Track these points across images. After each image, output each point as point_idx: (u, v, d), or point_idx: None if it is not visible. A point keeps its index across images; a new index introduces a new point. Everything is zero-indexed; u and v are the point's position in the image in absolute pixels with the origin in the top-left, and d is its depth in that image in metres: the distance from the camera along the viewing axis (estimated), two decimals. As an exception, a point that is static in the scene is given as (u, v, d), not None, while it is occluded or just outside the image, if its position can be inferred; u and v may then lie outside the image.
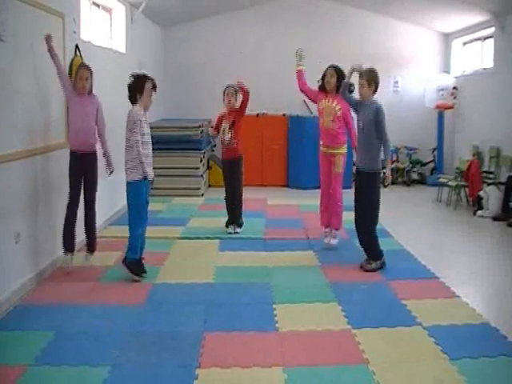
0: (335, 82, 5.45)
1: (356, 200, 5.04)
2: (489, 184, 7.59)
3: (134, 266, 4.65)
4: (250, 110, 9.24)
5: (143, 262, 4.75)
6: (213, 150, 10.22)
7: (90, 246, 5.02)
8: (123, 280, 4.64)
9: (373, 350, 3.37)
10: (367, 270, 4.91)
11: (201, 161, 8.71)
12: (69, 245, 4.80)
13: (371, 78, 4.83)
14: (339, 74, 5.44)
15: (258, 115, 9.76)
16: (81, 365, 3.14)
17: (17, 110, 4.19)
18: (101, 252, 5.40)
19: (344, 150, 5.59)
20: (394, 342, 3.49)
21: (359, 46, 10.08)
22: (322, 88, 5.61)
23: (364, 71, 4.87)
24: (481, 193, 7.45)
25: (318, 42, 10.24)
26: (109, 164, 5.08)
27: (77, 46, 5.43)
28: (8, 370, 3.09)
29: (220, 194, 9.08)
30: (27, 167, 4.39)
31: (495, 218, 7.09)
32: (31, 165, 4.46)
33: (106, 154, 5.04)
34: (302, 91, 5.83)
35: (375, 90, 4.88)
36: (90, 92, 4.84)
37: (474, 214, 7.41)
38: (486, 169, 8.13)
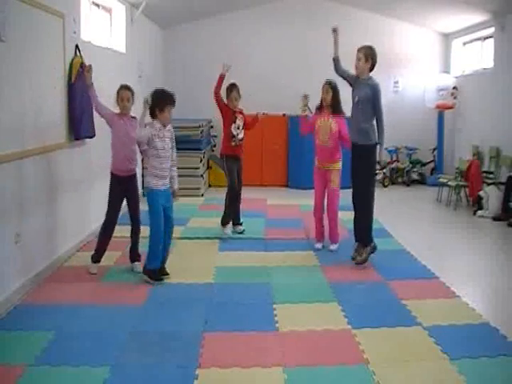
0: (331, 97, 5.43)
1: (352, 176, 5.05)
2: (489, 184, 7.59)
3: (154, 274, 4.60)
4: (250, 110, 9.26)
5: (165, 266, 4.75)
6: (213, 150, 10.22)
7: (135, 257, 4.99)
8: (123, 280, 4.66)
9: (373, 349, 3.37)
10: (359, 262, 4.94)
11: (201, 161, 8.72)
12: (96, 258, 4.88)
13: (368, 54, 4.91)
14: (334, 90, 5.43)
15: (257, 115, 9.75)
16: (81, 365, 3.14)
17: (16, 111, 4.19)
18: (101, 252, 5.42)
19: (339, 165, 5.57)
20: (394, 342, 3.49)
21: (359, 46, 10.07)
22: (320, 106, 5.57)
23: (363, 46, 4.98)
24: (481, 193, 7.45)
25: (318, 41, 10.22)
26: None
27: (77, 46, 5.43)
28: (8, 370, 3.09)
29: (220, 193, 9.10)
30: (28, 167, 4.39)
31: (495, 218, 7.09)
32: (32, 165, 4.46)
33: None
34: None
35: (372, 68, 4.94)
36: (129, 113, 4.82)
37: (474, 213, 7.41)
38: (486, 169, 8.14)
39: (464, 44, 10.07)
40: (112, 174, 4.86)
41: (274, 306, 4.10)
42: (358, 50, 4.96)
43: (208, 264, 5.10)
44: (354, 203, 5.12)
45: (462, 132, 9.79)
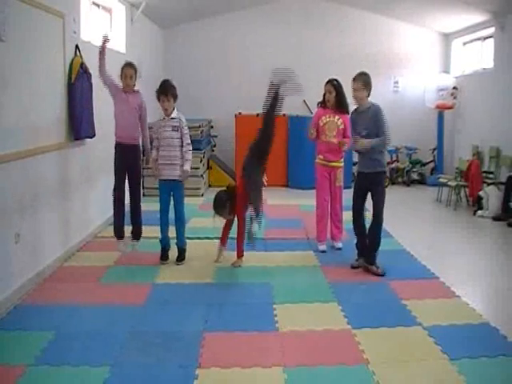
0: (334, 97, 5.39)
1: (357, 200, 4.95)
2: (489, 184, 7.59)
3: (161, 252, 5.16)
4: (250, 110, 9.32)
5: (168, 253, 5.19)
6: (213, 150, 10.23)
7: (135, 234, 5.33)
8: (123, 280, 4.66)
9: (373, 349, 3.37)
10: (376, 274, 4.79)
11: (201, 161, 8.73)
12: (118, 232, 5.27)
13: (366, 82, 4.78)
14: (337, 89, 5.39)
15: (258, 115, 9.76)
16: (81, 365, 3.14)
17: (16, 110, 4.19)
18: (101, 252, 5.42)
19: (342, 162, 5.59)
20: (394, 342, 3.49)
21: (359, 47, 10.10)
22: (323, 104, 5.54)
23: (360, 75, 4.82)
24: (481, 193, 7.45)
25: (318, 42, 10.26)
26: (144, 154, 5.44)
27: (77, 46, 5.43)
28: (8, 370, 3.09)
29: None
30: (27, 167, 4.38)
31: (495, 218, 7.09)
32: (31, 165, 4.46)
33: (143, 147, 5.39)
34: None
35: (369, 93, 4.83)
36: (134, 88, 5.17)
37: (474, 213, 7.41)
38: (486, 169, 8.14)
39: (464, 44, 10.07)
40: (116, 143, 5.15)
41: (274, 306, 4.10)
42: (356, 80, 4.78)
43: (208, 264, 5.11)
44: (357, 227, 4.98)
45: (461, 132, 9.79)
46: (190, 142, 5.04)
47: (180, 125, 4.98)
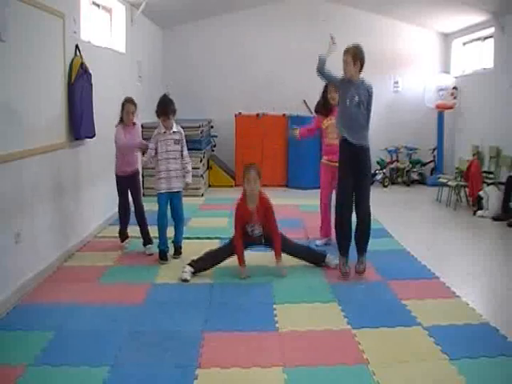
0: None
1: (357, 180, 4.63)
2: (489, 184, 7.59)
3: (160, 254, 5.20)
4: (251, 110, 9.32)
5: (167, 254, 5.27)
6: (213, 150, 10.23)
7: (145, 240, 5.47)
8: (123, 280, 4.66)
9: (373, 349, 3.37)
10: (364, 271, 4.81)
11: (201, 161, 8.73)
12: (123, 236, 5.62)
13: (356, 55, 4.55)
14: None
15: (257, 115, 9.77)
16: (81, 365, 3.14)
17: (16, 110, 4.19)
18: (101, 252, 5.42)
19: None
20: (394, 342, 3.49)
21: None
22: (324, 105, 5.58)
23: (350, 47, 4.63)
24: (481, 193, 7.45)
25: (319, 42, 10.22)
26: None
27: (77, 46, 5.43)
28: (8, 370, 3.09)
29: (220, 193, 9.11)
30: (27, 167, 4.38)
31: (495, 218, 7.08)
32: (31, 165, 4.46)
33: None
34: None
35: (361, 69, 4.62)
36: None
37: (474, 214, 7.40)
38: (486, 169, 8.14)
39: (464, 44, 10.07)
40: (116, 175, 5.40)
41: (274, 306, 4.10)
42: (345, 52, 4.54)
43: (208, 264, 5.10)
44: (357, 212, 4.73)
45: (462, 132, 9.79)
46: (187, 153, 5.22)
47: (181, 137, 5.15)
